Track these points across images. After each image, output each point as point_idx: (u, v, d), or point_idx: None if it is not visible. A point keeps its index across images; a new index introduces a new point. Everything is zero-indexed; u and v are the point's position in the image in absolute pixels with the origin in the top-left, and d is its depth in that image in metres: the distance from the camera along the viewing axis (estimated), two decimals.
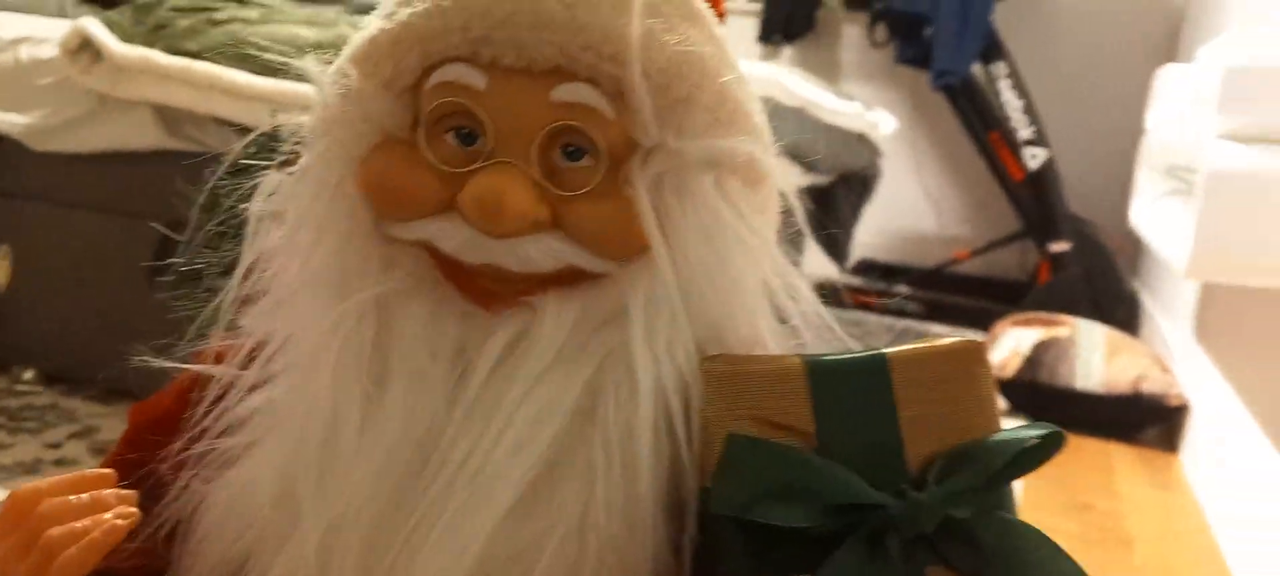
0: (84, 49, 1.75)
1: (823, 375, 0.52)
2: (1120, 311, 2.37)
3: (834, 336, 0.58)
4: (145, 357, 0.61)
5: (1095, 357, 2.02)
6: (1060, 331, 2.08)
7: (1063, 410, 1.88)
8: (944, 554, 0.50)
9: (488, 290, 0.56)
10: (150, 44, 1.76)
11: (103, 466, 0.59)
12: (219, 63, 1.71)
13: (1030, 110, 2.47)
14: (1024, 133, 2.46)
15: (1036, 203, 2.49)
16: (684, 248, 0.54)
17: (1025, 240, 2.58)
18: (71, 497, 0.54)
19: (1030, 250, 2.60)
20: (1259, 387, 1.52)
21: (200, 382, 0.60)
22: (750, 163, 0.57)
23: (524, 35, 0.53)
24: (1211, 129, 1.36)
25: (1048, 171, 2.46)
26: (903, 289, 2.61)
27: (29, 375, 2.03)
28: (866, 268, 2.79)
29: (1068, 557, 0.51)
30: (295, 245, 0.58)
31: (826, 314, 0.58)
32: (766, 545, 0.50)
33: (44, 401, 1.95)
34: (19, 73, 1.89)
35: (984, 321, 2.28)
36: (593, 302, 0.55)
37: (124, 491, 0.55)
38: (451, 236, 0.55)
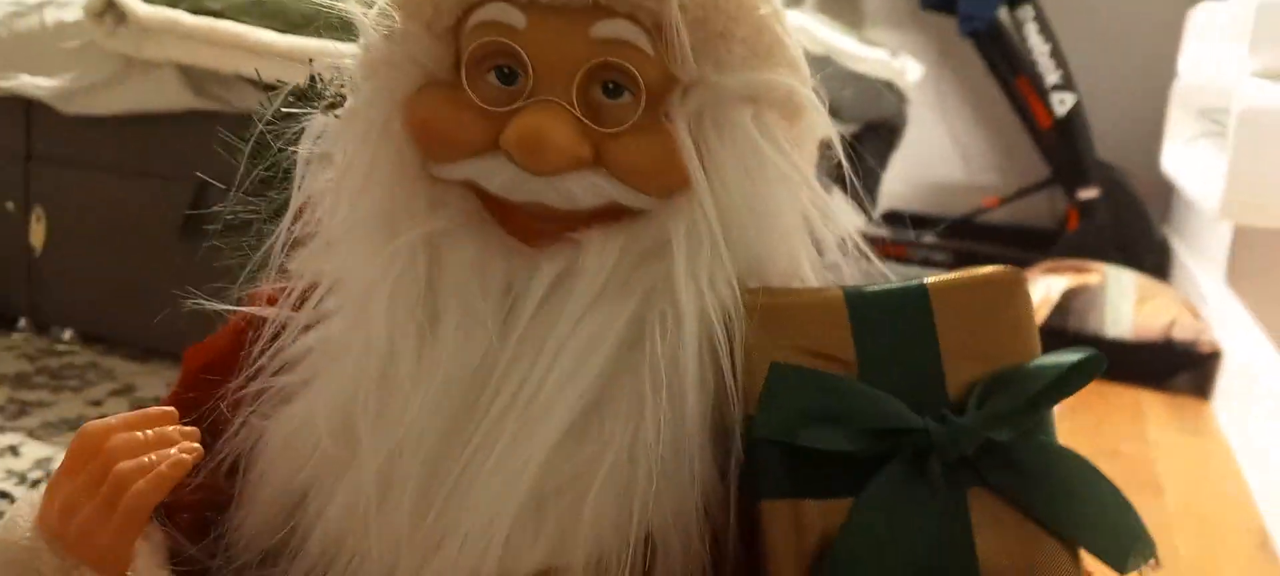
0: (108, 11, 1.76)
1: (863, 305, 0.53)
2: (1150, 258, 2.36)
3: (872, 268, 0.59)
4: (198, 302, 0.63)
5: (1125, 304, 2.01)
6: (1090, 278, 2.07)
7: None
8: (984, 476, 0.51)
9: (532, 227, 0.57)
10: (173, 4, 1.76)
11: (165, 403, 0.60)
12: (243, 21, 1.72)
13: (1057, 54, 2.44)
14: (1051, 77, 2.43)
15: (1065, 149, 2.46)
16: (724, 181, 0.55)
17: (1054, 187, 2.56)
18: (138, 433, 0.55)
19: (1059, 197, 2.58)
20: None
21: (254, 324, 0.62)
22: (789, 96, 0.58)
23: None
24: (1244, 67, 1.35)
25: (1076, 117, 2.43)
26: (931, 238, 2.59)
27: (67, 335, 2.06)
28: (894, 218, 2.78)
29: (1105, 479, 0.52)
30: (344, 186, 0.59)
31: (865, 245, 0.59)
32: (809, 469, 0.51)
33: (83, 360, 1.98)
34: (44, 36, 1.90)
35: None
36: (635, 237, 0.56)
37: (186, 427, 0.57)
38: (496, 175, 0.56)
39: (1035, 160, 2.59)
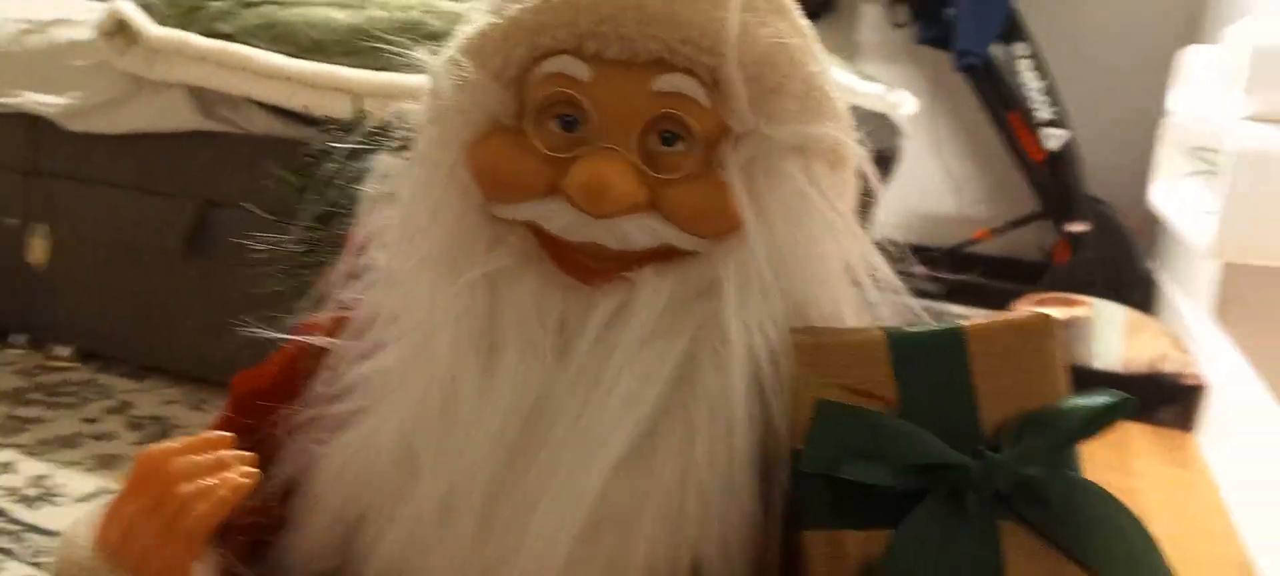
0: (119, 31, 1.78)
1: (903, 345, 0.56)
2: (1137, 292, 2.40)
3: (909, 311, 0.62)
4: (254, 331, 0.65)
5: (1113, 337, 2.05)
6: (1078, 311, 2.11)
7: (1081, 390, 1.90)
8: (1017, 510, 0.53)
9: (588, 266, 0.60)
10: (184, 26, 1.78)
11: (212, 430, 0.62)
12: (253, 44, 1.74)
13: (1051, 91, 2.48)
14: (1044, 113, 2.47)
15: (1055, 183, 2.51)
16: (773, 227, 0.58)
17: (1043, 220, 2.61)
18: (197, 457, 0.58)
19: (1048, 230, 2.62)
20: (1276, 366, 1.55)
21: (306, 352, 0.64)
22: (835, 148, 0.61)
23: (628, 30, 0.57)
24: (1238, 110, 1.39)
25: (1067, 152, 2.48)
26: (920, 268, 2.62)
27: (65, 351, 2.06)
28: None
29: (1130, 513, 0.55)
30: (408, 225, 0.62)
31: (904, 290, 0.62)
32: (850, 501, 0.54)
33: (80, 377, 1.99)
34: (53, 54, 1.92)
35: (1002, 301, 2.30)
36: (687, 278, 0.59)
37: (243, 453, 0.59)
38: (556, 217, 0.59)
39: (1025, 193, 2.63)
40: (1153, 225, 2.47)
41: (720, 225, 0.59)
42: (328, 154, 0.68)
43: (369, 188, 0.63)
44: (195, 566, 0.58)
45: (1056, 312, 2.10)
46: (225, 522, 0.58)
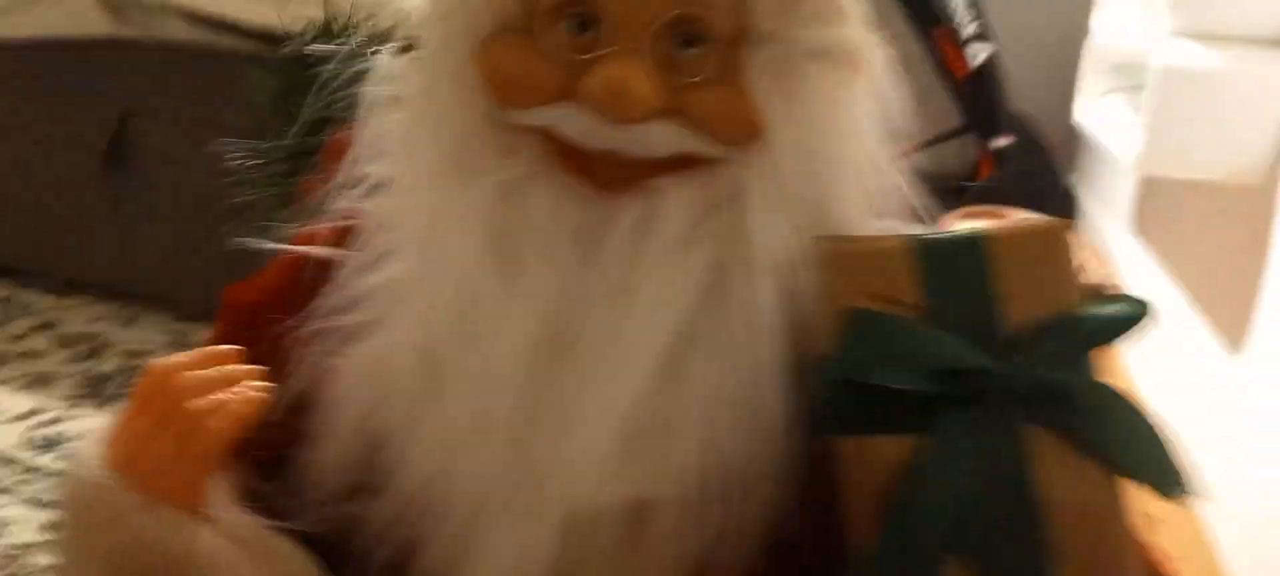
0: None
1: (926, 252, 0.57)
2: (1057, 205, 2.46)
3: (920, 220, 0.62)
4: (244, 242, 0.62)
5: None
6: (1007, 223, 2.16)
7: None
8: (1041, 412, 0.55)
9: (605, 174, 0.58)
10: None
11: (208, 345, 0.60)
12: None
13: (975, 6, 2.50)
14: (969, 29, 2.49)
15: (979, 98, 2.53)
16: (794, 133, 0.58)
17: (967, 135, 2.64)
18: (208, 371, 0.55)
19: (971, 145, 2.66)
20: (1194, 276, 1.62)
21: (306, 263, 0.61)
22: (854, 53, 0.60)
23: None
24: (1164, 27, 1.43)
25: (991, 67, 2.51)
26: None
27: None
28: None
29: (1145, 414, 0.57)
30: (415, 131, 0.59)
31: (917, 199, 0.62)
32: (879, 407, 0.54)
33: (0, 294, 1.92)
34: None
35: (927, 216, 2.34)
36: (709, 186, 0.58)
37: (251, 366, 0.57)
38: (572, 123, 0.57)
39: (949, 108, 2.66)
40: (1073, 140, 2.54)
41: (743, 131, 0.57)
42: (312, 60, 0.65)
43: (369, 91, 0.60)
44: (210, 483, 0.57)
45: (988, 224, 2.15)
46: (239, 439, 0.56)
